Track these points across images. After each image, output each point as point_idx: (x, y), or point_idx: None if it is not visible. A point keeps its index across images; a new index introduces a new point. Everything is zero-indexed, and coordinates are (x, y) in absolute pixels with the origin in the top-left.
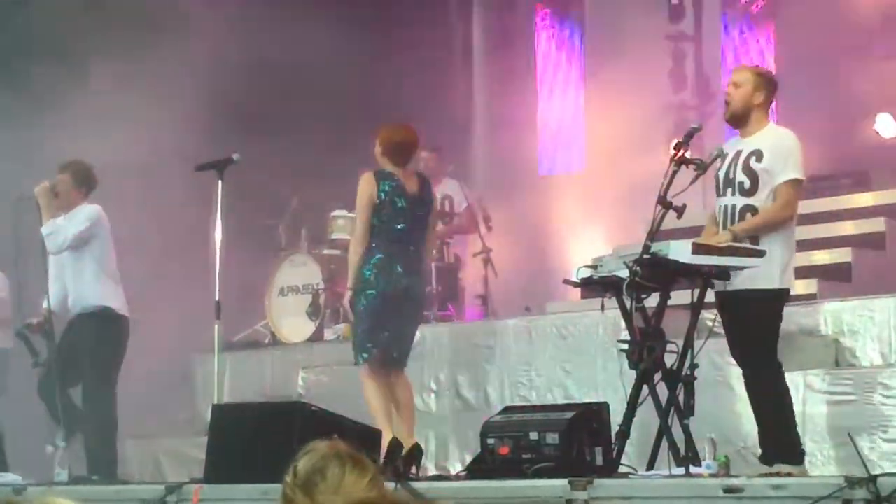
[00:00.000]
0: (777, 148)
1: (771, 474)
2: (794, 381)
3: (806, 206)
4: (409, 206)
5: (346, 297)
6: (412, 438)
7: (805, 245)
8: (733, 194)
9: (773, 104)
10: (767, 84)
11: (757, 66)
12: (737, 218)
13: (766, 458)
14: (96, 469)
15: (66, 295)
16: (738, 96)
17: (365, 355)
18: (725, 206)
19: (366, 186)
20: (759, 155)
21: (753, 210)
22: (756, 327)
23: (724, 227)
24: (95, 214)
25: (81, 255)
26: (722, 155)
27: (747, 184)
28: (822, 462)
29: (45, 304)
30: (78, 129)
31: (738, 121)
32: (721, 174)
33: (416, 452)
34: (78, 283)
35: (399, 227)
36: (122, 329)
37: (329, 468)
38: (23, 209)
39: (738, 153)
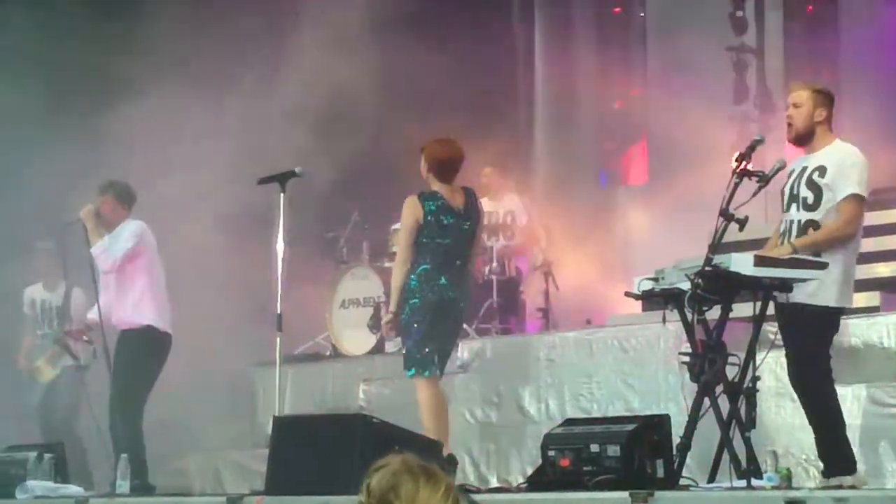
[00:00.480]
0: (841, 164)
1: (832, 487)
2: (857, 393)
3: (868, 218)
4: (455, 221)
5: (384, 320)
6: (447, 448)
7: (867, 257)
8: (798, 210)
9: (834, 114)
10: (826, 99)
11: (813, 82)
12: (798, 232)
13: (827, 472)
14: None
15: (110, 311)
16: (799, 116)
17: (427, 373)
18: (790, 222)
19: (410, 211)
20: (822, 170)
21: (815, 225)
22: (811, 341)
23: (788, 241)
24: (140, 230)
25: (127, 271)
26: (783, 167)
27: (810, 198)
28: (890, 474)
29: (90, 315)
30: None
31: (803, 140)
32: (787, 190)
33: (450, 464)
34: (123, 300)
35: (445, 241)
36: (162, 347)
37: (402, 484)
38: (68, 232)
39: (804, 169)
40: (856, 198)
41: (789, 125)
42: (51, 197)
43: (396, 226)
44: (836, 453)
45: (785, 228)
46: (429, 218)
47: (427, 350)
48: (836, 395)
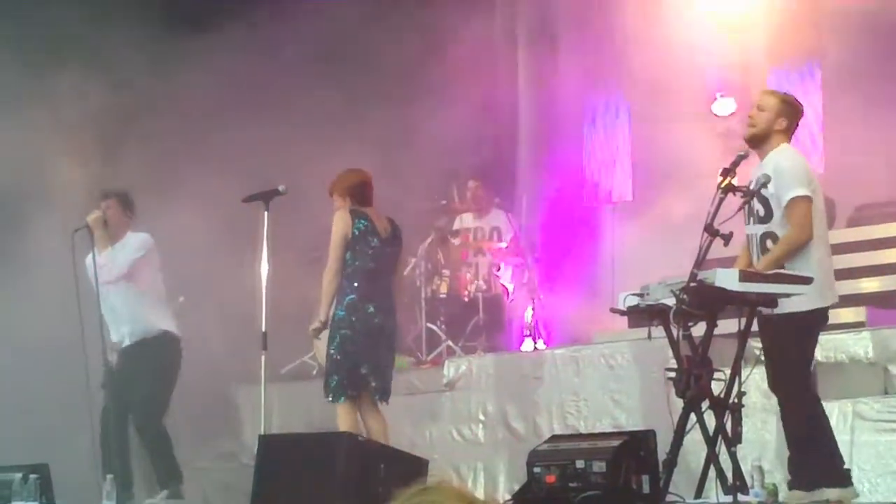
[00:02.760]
0: (777, 168)
1: (819, 501)
2: (843, 409)
3: (854, 234)
4: (381, 245)
5: (311, 327)
6: None
7: (854, 273)
8: (755, 223)
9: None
10: (791, 112)
11: (785, 93)
12: (758, 246)
13: (796, 484)
14: (166, 483)
15: (118, 324)
16: (760, 118)
17: (342, 399)
18: (751, 236)
19: (342, 223)
20: (767, 180)
21: (773, 237)
22: (787, 351)
23: (753, 257)
24: (147, 242)
25: (134, 282)
26: (768, 181)
27: (762, 211)
28: (870, 490)
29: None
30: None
31: (757, 142)
32: (746, 205)
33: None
34: (135, 310)
35: (371, 265)
36: (178, 350)
37: None
38: (78, 239)
39: (757, 180)
40: (799, 199)
41: (749, 125)
42: None
43: None
44: (823, 465)
45: (750, 244)
46: (356, 233)
47: (352, 386)
48: (817, 404)
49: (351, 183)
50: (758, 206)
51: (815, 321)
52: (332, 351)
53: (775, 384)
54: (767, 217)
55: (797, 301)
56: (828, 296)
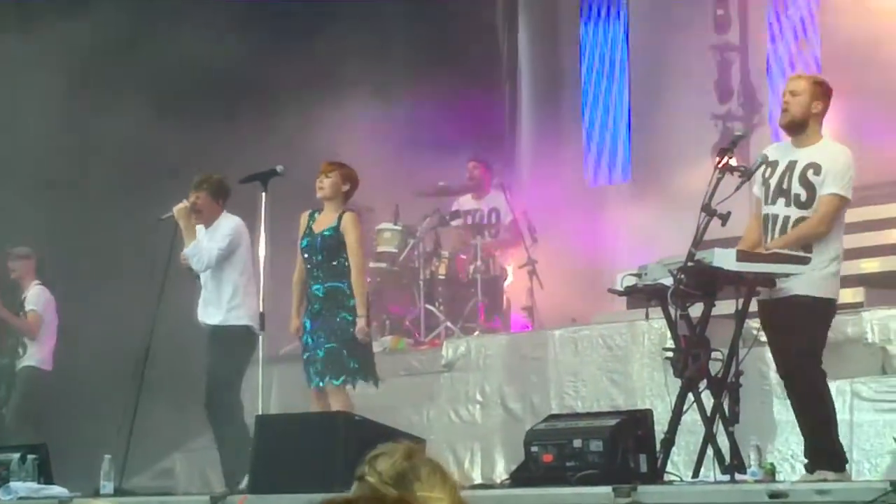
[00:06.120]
0: (834, 162)
1: (816, 480)
2: (842, 389)
3: (854, 215)
4: None
5: (360, 324)
6: None
7: (853, 253)
8: (787, 205)
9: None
10: (824, 94)
11: (814, 74)
12: (783, 228)
13: (811, 467)
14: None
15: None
16: (796, 104)
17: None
18: (776, 217)
19: (357, 225)
20: (817, 168)
21: None
22: (799, 332)
23: (769, 237)
24: (236, 228)
25: (221, 270)
26: (767, 162)
27: (804, 196)
28: (869, 469)
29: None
30: None
31: (796, 129)
32: (773, 182)
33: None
34: (219, 298)
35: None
36: (253, 347)
37: (421, 467)
38: (162, 229)
39: (793, 163)
40: (838, 198)
41: (785, 111)
42: None
43: (382, 225)
44: (824, 448)
45: (771, 223)
46: None
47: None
48: (826, 389)
49: (356, 183)
50: (799, 189)
51: (826, 309)
52: (361, 337)
53: (787, 366)
54: (808, 203)
55: (811, 284)
56: (832, 286)
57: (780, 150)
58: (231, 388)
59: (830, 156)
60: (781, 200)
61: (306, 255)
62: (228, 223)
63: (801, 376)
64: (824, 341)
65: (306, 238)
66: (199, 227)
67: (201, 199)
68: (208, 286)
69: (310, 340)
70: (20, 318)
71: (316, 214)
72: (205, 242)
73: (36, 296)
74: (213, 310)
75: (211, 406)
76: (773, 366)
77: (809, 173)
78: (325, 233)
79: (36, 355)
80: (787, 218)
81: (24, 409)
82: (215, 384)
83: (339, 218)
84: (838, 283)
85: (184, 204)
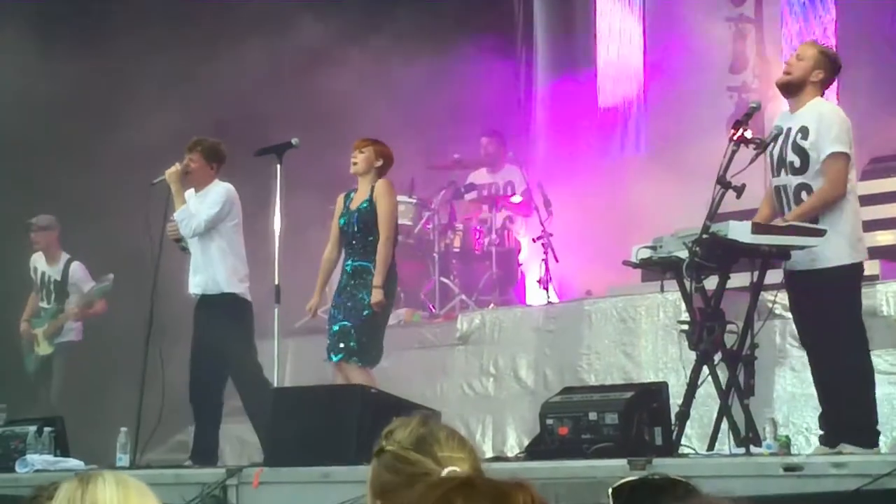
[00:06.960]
0: (820, 121)
1: (833, 452)
2: None
3: (868, 187)
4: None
5: (375, 296)
6: None
7: (867, 226)
8: (787, 174)
9: (835, 84)
10: (830, 65)
11: (826, 46)
12: (792, 198)
13: (829, 440)
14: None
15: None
16: (798, 67)
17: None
18: (782, 187)
19: (393, 193)
20: (805, 132)
21: (808, 188)
22: (833, 306)
23: (785, 208)
24: (227, 195)
25: (210, 237)
26: (781, 133)
27: (797, 162)
28: (885, 442)
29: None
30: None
31: (791, 91)
32: (775, 153)
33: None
34: (206, 266)
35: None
36: (246, 313)
37: (439, 432)
38: (154, 193)
39: (788, 131)
40: (839, 156)
41: (786, 72)
42: None
43: (398, 198)
44: (858, 422)
45: (779, 195)
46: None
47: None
48: (869, 360)
49: (391, 159)
50: (793, 156)
51: (857, 275)
52: (384, 317)
53: (820, 338)
54: (803, 168)
55: (839, 255)
56: (860, 249)
57: (782, 119)
58: (253, 356)
59: (817, 115)
60: (783, 170)
61: (344, 232)
62: (220, 189)
63: (838, 348)
64: (859, 308)
65: (343, 217)
66: (189, 193)
67: (195, 161)
68: (196, 255)
69: (332, 313)
70: (93, 308)
71: (352, 194)
72: (194, 206)
73: (82, 277)
74: (201, 278)
75: (208, 383)
76: (788, 339)
77: (798, 138)
78: (362, 206)
79: (73, 330)
80: (790, 186)
81: (65, 388)
82: (224, 359)
83: (372, 189)
84: (861, 240)
85: (175, 168)
